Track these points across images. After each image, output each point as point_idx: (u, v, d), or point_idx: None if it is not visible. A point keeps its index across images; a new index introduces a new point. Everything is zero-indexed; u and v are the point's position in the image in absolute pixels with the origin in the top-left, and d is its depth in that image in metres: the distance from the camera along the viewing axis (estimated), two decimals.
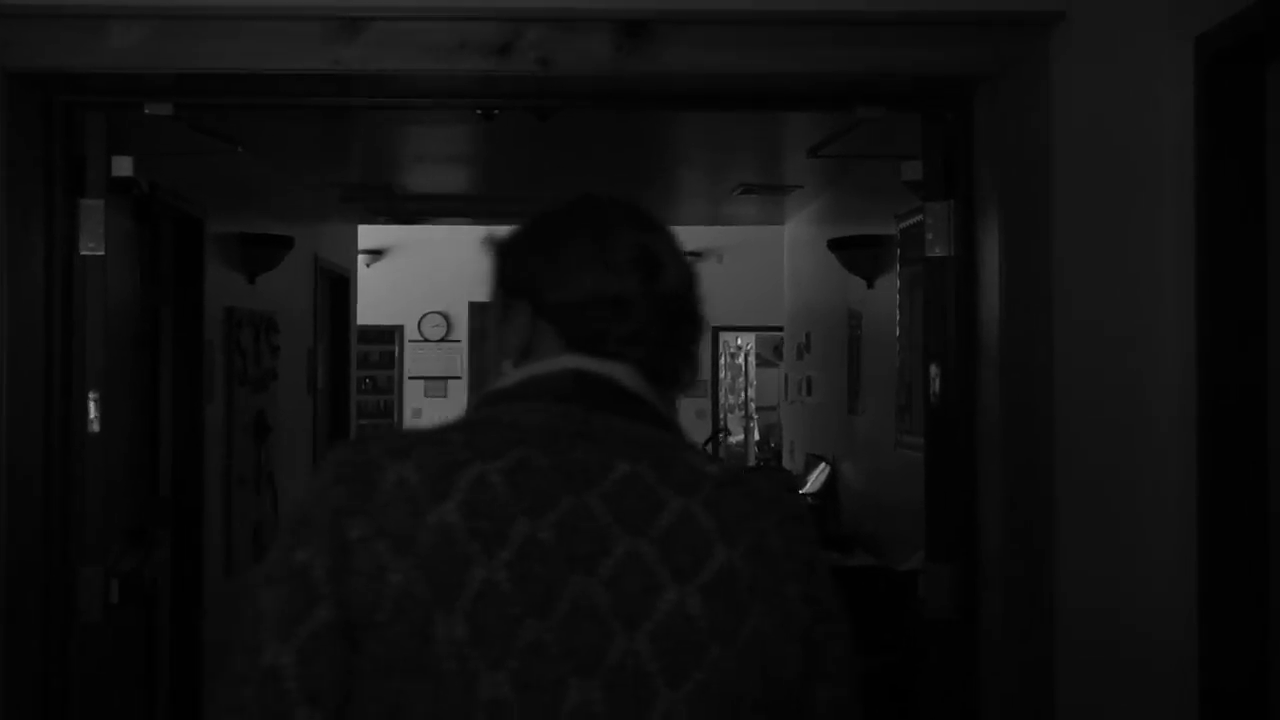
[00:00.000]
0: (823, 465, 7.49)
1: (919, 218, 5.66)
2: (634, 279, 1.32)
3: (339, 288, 8.99)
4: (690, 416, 16.12)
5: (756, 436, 18.59)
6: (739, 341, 19.00)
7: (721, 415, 17.13)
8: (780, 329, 15.66)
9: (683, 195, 8.87)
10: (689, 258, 1.42)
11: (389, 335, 15.09)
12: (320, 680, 1.16)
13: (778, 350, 18.99)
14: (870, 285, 6.49)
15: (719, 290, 15.26)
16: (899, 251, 5.87)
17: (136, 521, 4.60)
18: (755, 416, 19.18)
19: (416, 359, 14.96)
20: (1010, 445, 3.02)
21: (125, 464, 4.54)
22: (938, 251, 3.42)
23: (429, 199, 8.38)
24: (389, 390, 15.18)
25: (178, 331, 5.58)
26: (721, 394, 17.14)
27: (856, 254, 6.43)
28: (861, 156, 5.06)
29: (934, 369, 3.42)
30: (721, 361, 17.23)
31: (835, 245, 6.57)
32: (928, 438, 3.47)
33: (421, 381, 14.95)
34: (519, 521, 1.18)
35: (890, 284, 6.17)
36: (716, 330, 15.93)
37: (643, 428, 1.29)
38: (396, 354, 15.25)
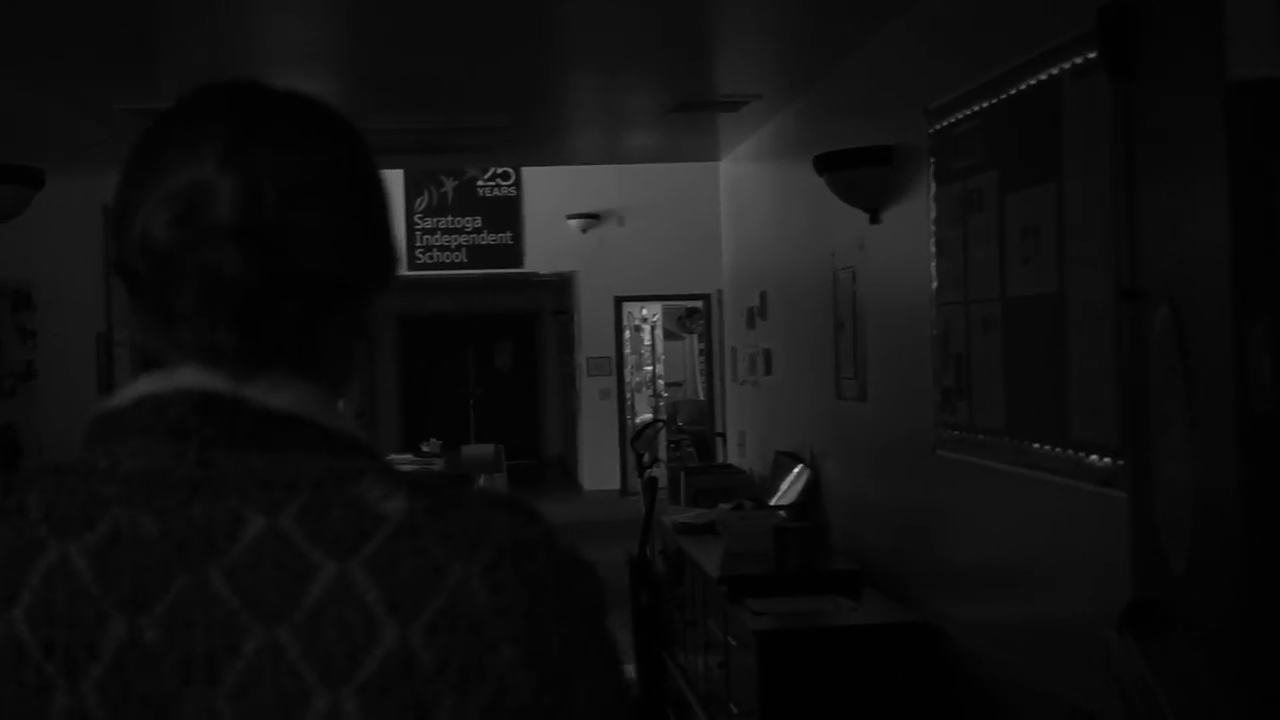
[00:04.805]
0: (799, 468, 5.62)
1: (977, 106, 3.78)
2: (168, 222, 0.92)
3: None
4: (594, 397, 14.37)
5: (664, 416, 16.82)
6: (644, 312, 17.29)
7: (629, 394, 15.33)
8: (689, 297, 14.15)
9: (581, 121, 6.94)
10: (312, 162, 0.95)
11: None
12: None
13: (681, 321, 17.37)
14: (875, 219, 4.63)
15: (620, 257, 13.61)
16: (932, 164, 4.01)
17: None
18: (664, 395, 17.50)
19: None
20: None
21: None
22: (1255, 67, 1.55)
23: None
24: None
25: None
26: (627, 371, 15.32)
27: (857, 175, 4.56)
28: None
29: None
30: (625, 335, 15.40)
31: (825, 164, 4.70)
32: (1245, 460, 1.59)
33: None
34: (112, 621, 0.87)
35: (910, 215, 4.31)
36: (619, 301, 14.16)
37: (294, 457, 0.91)
38: None
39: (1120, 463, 2.86)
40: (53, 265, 5.17)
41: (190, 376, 0.93)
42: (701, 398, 15.80)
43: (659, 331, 17.55)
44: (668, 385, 17.72)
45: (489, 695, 0.89)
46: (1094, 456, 3.00)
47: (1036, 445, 3.31)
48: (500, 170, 13.45)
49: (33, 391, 4.81)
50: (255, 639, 0.87)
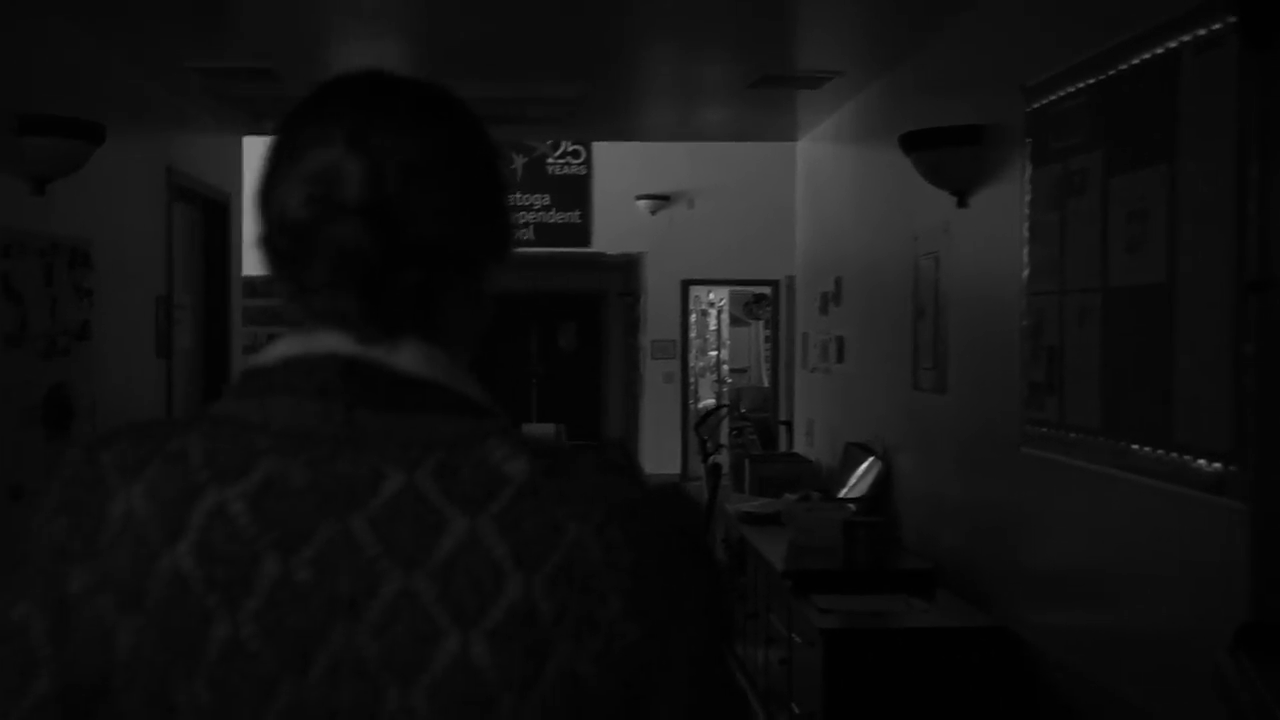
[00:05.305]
0: (870, 461, 5.41)
1: (1082, 82, 3.35)
2: (302, 200, 1.01)
3: (214, 216, 6.81)
4: (657, 380, 14.19)
5: (727, 402, 16.67)
6: (710, 297, 17.11)
7: (692, 379, 15.14)
8: (757, 282, 13.91)
9: (655, 95, 6.74)
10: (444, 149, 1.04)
11: None
12: None
13: (748, 307, 17.15)
14: (962, 203, 4.41)
15: (688, 240, 13.42)
16: (1028, 144, 3.79)
17: None
18: (728, 381, 17.32)
19: None
20: None
21: None
22: None
23: None
24: None
25: None
26: (691, 356, 15.13)
27: (946, 155, 4.34)
28: None
29: None
30: (691, 319, 15.20)
31: (911, 143, 4.48)
32: None
33: None
34: (266, 560, 0.97)
35: (1001, 198, 4.10)
36: (686, 284, 13.96)
37: (428, 419, 1.01)
38: None
39: (1231, 468, 2.64)
40: (113, 224, 5.06)
41: (329, 341, 1.02)
42: (766, 385, 15.60)
43: (725, 316, 17.35)
44: (732, 371, 17.53)
45: (599, 643, 0.96)
46: (1201, 460, 2.78)
47: (1135, 446, 3.09)
48: (571, 148, 13.30)
49: (87, 352, 4.70)
50: (394, 583, 0.96)
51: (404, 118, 1.03)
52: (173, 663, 0.97)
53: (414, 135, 1.02)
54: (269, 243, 1.04)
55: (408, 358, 1.02)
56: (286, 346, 1.04)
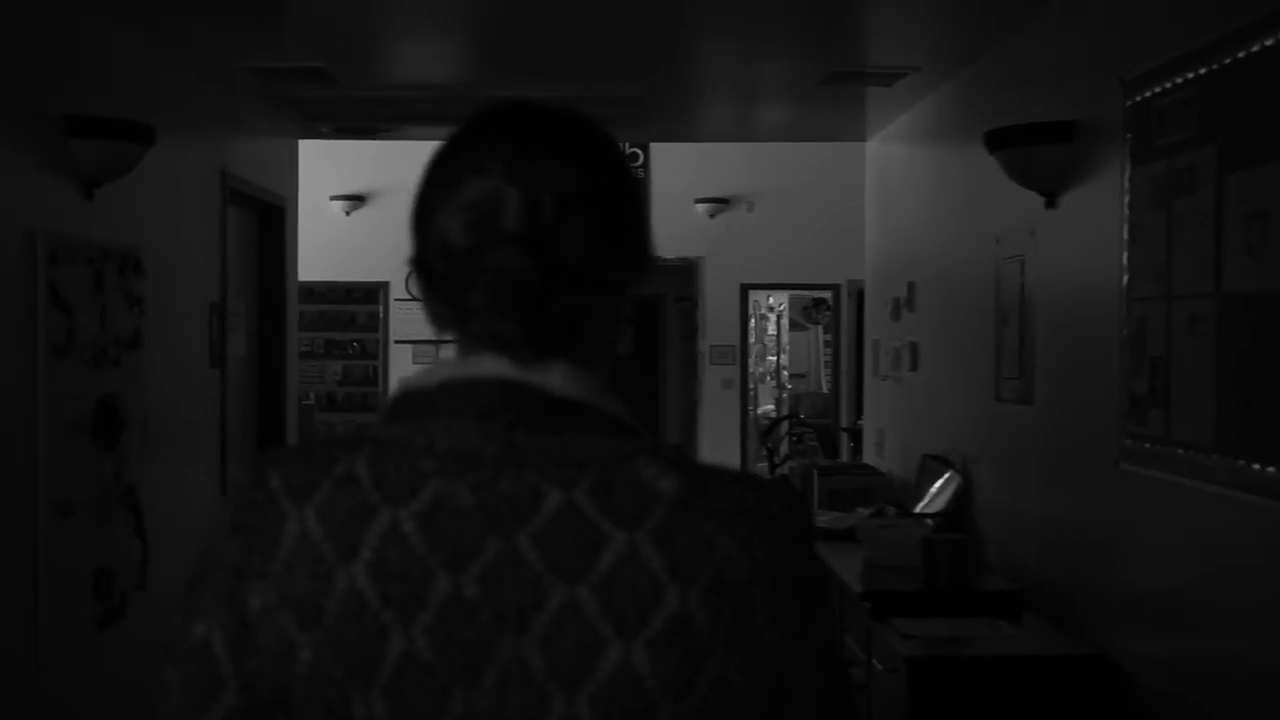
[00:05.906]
0: (949, 475, 5.17)
1: (1191, 73, 3.10)
2: (461, 228, 1.07)
3: (270, 222, 6.67)
4: (715, 386, 13.97)
5: (787, 410, 16.46)
6: (770, 301, 16.87)
7: (751, 385, 14.91)
8: (817, 287, 13.67)
9: (717, 93, 6.54)
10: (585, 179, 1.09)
11: (374, 294, 13.19)
12: None
13: (807, 312, 16.89)
14: (1051, 204, 4.17)
15: (747, 244, 13.21)
16: (1129, 140, 3.55)
17: None
18: (788, 386, 17.08)
19: (403, 320, 13.12)
20: None
21: None
22: None
23: (393, 91, 6.04)
24: (377, 355, 13.37)
25: None
26: (750, 361, 14.89)
27: (1035, 154, 4.10)
28: None
29: None
30: (751, 324, 14.97)
31: (997, 141, 4.24)
32: None
33: (409, 346, 12.99)
34: (438, 577, 1.03)
35: (1095, 198, 3.86)
36: (745, 288, 13.74)
37: (581, 439, 1.06)
38: (381, 314, 13.37)
39: None
40: (165, 229, 4.91)
41: (489, 365, 1.07)
42: (826, 390, 15.34)
43: (785, 321, 17.11)
44: (791, 377, 17.29)
45: (746, 652, 1.02)
46: None
47: (1255, 466, 2.84)
48: (629, 151, 13.14)
49: (138, 361, 4.55)
50: (559, 596, 1.01)
51: (557, 148, 1.08)
52: (351, 676, 1.01)
53: (567, 165, 1.07)
54: (425, 267, 1.08)
55: (558, 379, 1.06)
56: (447, 370, 1.08)
